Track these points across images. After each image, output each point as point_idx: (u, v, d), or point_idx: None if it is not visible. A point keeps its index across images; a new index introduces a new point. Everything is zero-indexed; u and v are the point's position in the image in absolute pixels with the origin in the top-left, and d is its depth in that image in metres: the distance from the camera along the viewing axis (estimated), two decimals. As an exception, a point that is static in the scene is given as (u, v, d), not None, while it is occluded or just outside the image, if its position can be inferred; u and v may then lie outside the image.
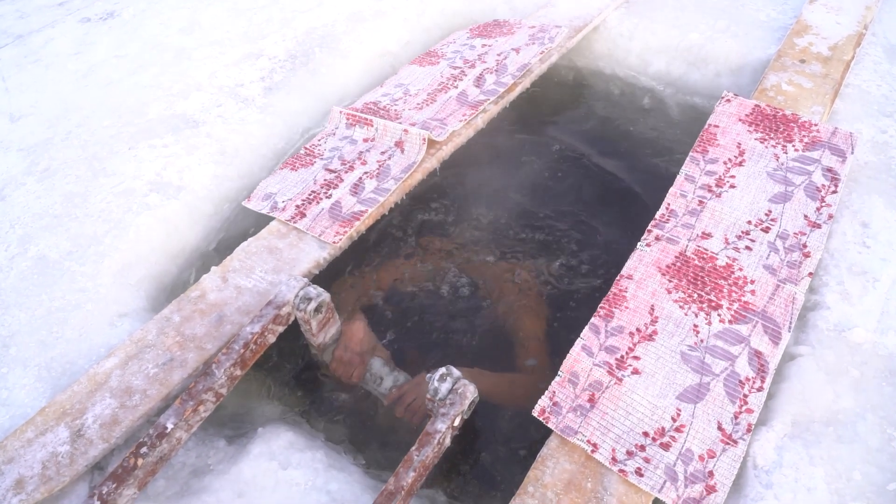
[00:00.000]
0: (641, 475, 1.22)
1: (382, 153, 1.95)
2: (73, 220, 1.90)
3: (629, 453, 1.25)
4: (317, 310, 1.53)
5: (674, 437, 1.27)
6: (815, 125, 1.87)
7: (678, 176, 1.78)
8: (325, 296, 1.54)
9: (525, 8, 2.65)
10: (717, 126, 1.91)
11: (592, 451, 1.25)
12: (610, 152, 2.30)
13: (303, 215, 1.79)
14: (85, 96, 2.43)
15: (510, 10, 2.67)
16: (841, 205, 1.71)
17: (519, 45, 2.30)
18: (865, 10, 2.34)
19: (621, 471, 1.23)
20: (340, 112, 2.10)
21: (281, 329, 1.54)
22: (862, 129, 1.90)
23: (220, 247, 1.95)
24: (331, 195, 1.84)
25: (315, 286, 1.54)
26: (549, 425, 1.30)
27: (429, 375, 1.37)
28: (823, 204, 1.67)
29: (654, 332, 1.43)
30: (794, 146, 1.83)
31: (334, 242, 1.71)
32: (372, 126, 2.02)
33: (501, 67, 2.21)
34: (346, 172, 1.91)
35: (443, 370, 1.37)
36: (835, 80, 2.05)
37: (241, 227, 1.99)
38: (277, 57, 2.51)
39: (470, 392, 1.34)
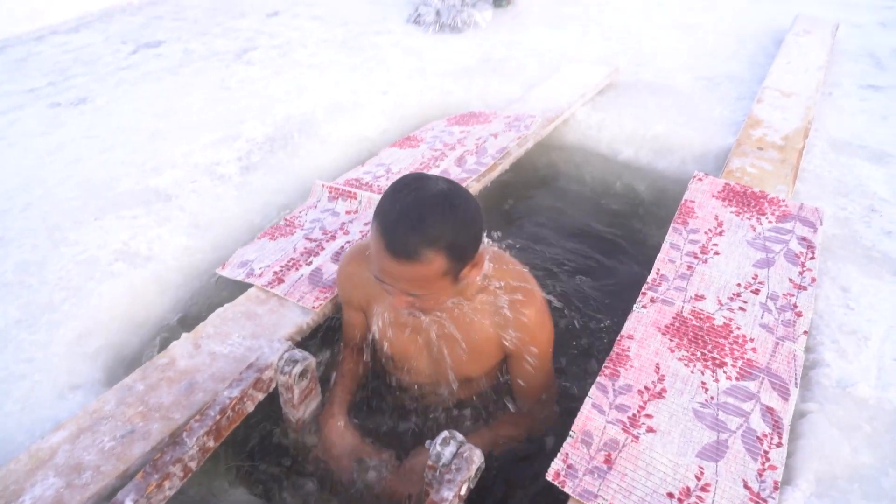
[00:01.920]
0: (672, 540, 1.10)
1: (366, 224, 1.91)
2: (24, 288, 1.75)
3: (655, 517, 1.14)
4: (302, 374, 1.41)
5: (700, 497, 1.17)
6: (783, 201, 1.97)
7: (664, 244, 1.80)
8: (311, 360, 1.42)
9: (497, 103, 2.79)
10: (692, 201, 1.98)
11: (616, 516, 1.13)
12: (584, 227, 2.33)
13: (281, 281, 1.70)
14: (50, 171, 2.34)
15: (483, 104, 2.81)
16: (819, 272, 1.75)
17: (497, 131, 2.38)
18: (806, 109, 2.56)
19: (649, 536, 1.11)
20: (323, 185, 2.08)
21: (261, 396, 1.39)
22: (824, 207, 2.01)
23: (189, 319, 1.81)
24: (311, 262, 1.77)
25: (300, 350, 1.42)
26: (566, 490, 1.18)
27: (429, 441, 1.24)
28: (805, 269, 1.71)
29: (664, 390, 1.37)
30: (767, 219, 1.90)
31: (314, 307, 1.61)
32: (355, 199, 2.00)
33: (481, 150, 2.27)
34: (328, 241, 1.85)
35: (445, 434, 1.24)
36: (792, 165, 2.19)
37: (212, 299, 1.87)
38: (255, 140, 2.52)
39: (476, 457, 1.22)
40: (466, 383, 1.45)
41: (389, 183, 2.07)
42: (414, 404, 1.58)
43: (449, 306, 1.30)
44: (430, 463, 1.23)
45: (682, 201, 1.98)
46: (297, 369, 1.39)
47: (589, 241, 2.26)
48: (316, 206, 2.04)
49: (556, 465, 1.22)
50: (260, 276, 1.72)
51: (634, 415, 1.31)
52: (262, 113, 2.72)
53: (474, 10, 3.75)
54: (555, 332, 1.38)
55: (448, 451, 1.22)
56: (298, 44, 3.60)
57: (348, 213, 1.98)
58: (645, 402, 1.34)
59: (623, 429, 1.28)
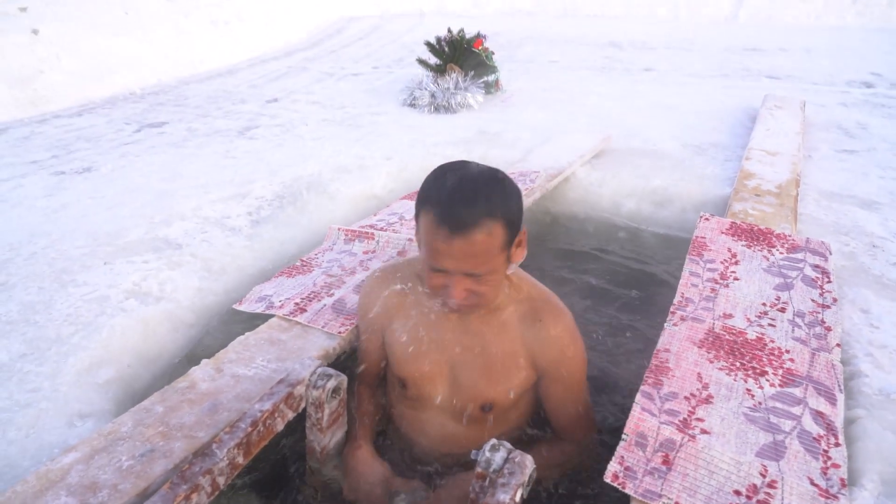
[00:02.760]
0: (748, 536, 1.02)
1: (385, 262, 1.90)
2: (30, 325, 1.67)
3: (726, 514, 1.07)
4: (335, 392, 1.33)
5: (769, 493, 1.10)
6: (790, 236, 2.03)
7: (683, 272, 1.82)
8: (344, 379, 1.36)
9: (500, 164, 2.88)
10: (703, 237, 2.02)
11: (684, 514, 1.06)
12: (592, 269, 2.34)
13: (303, 311, 1.65)
14: (55, 226, 2.31)
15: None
16: (838, 297, 1.77)
17: (503, 183, 2.46)
18: (792, 164, 2.71)
19: (723, 532, 1.03)
20: (339, 229, 2.08)
21: (291, 415, 1.31)
22: (829, 243, 2.07)
23: (203, 354, 1.73)
24: (333, 294, 1.74)
25: (333, 369, 1.36)
26: (627, 491, 1.11)
27: (475, 452, 1.17)
28: (824, 290, 1.73)
29: (710, 396, 1.33)
30: (777, 250, 1.94)
31: (340, 332, 1.56)
32: (373, 239, 2.00)
33: (490, 198, 2.32)
34: (348, 276, 1.83)
35: (493, 441, 1.17)
36: (790, 208, 2.28)
37: (229, 335, 1.79)
38: (264, 197, 2.54)
39: (529, 462, 1.14)
40: (491, 419, 1.36)
41: (404, 229, 2.10)
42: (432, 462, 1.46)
43: (479, 316, 1.27)
44: (478, 471, 1.14)
45: (694, 237, 2.03)
46: (331, 384, 1.32)
47: (599, 279, 2.26)
48: (332, 249, 2.03)
49: (613, 467, 1.16)
50: (280, 307, 1.68)
51: (685, 419, 1.26)
52: (270, 175, 2.77)
53: (468, 94, 3.97)
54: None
55: (499, 457, 1.14)
56: (300, 122, 3.74)
57: (366, 252, 1.97)
58: (694, 408, 1.29)
59: (678, 429, 1.23)
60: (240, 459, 1.19)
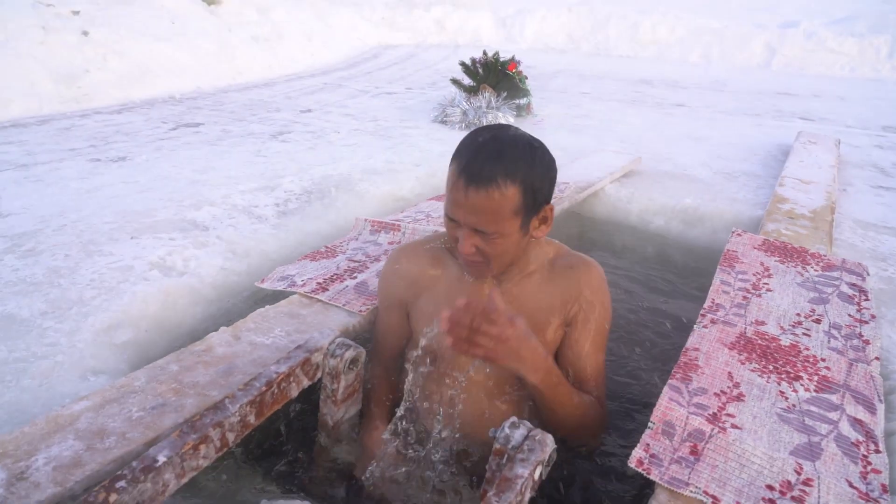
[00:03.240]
0: (782, 530, 0.96)
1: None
2: (53, 287, 1.67)
3: (758, 507, 1.00)
4: (352, 363, 1.30)
5: (805, 490, 1.04)
6: (825, 256, 1.97)
7: (714, 280, 1.77)
8: (363, 352, 1.33)
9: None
10: (735, 251, 1.98)
11: (714, 503, 1.00)
12: (618, 279, 2.29)
13: (325, 290, 1.64)
14: (86, 204, 2.34)
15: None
16: (876, 314, 1.70)
17: (531, 191, 2.44)
18: (827, 193, 2.66)
19: (755, 525, 0.97)
20: (365, 220, 2.08)
21: (306, 383, 1.28)
22: (866, 265, 2.01)
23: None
24: (356, 277, 1.72)
25: (352, 341, 1.33)
26: (653, 477, 1.06)
27: (493, 430, 1.12)
28: (861, 307, 1.67)
29: (742, 395, 1.27)
30: (812, 268, 1.89)
31: (361, 311, 1.54)
32: (399, 230, 1.99)
33: (518, 203, 2.30)
34: (372, 262, 1.82)
35: (513, 419, 1.13)
36: (826, 231, 2.22)
37: (247, 314, 1.78)
38: (293, 191, 2.56)
39: (549, 441, 1.10)
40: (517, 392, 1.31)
41: (431, 226, 2.09)
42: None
43: (507, 285, 1.24)
44: (496, 447, 1.10)
45: (725, 251, 1.98)
46: (349, 354, 1.29)
47: (621, 288, 2.21)
48: (357, 238, 2.02)
49: (638, 453, 1.10)
50: (303, 285, 1.66)
51: (715, 413, 1.20)
52: (299, 172, 2.79)
53: (499, 113, 4.00)
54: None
55: (518, 434, 1.10)
56: (332, 130, 3.79)
57: (391, 243, 1.96)
58: (724, 404, 1.24)
59: (707, 420, 1.17)
60: (251, 419, 1.16)
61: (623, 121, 4.53)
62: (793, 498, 1.02)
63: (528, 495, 1.03)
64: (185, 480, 1.04)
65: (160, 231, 2.06)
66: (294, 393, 1.26)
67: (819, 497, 1.03)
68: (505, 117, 4.03)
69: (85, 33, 4.51)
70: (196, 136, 3.59)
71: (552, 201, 1.19)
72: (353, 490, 1.27)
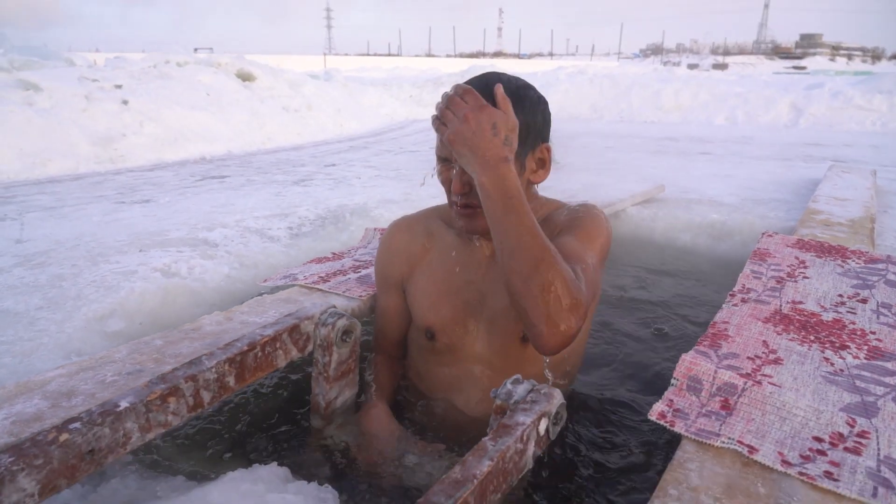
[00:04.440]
0: (836, 479, 0.80)
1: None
2: (54, 288, 1.65)
3: (805, 457, 0.85)
4: (345, 334, 1.21)
5: (860, 442, 0.88)
6: (867, 252, 1.82)
7: (743, 271, 1.63)
8: (358, 325, 1.24)
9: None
10: (765, 249, 1.84)
11: (750, 453, 0.85)
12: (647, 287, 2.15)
13: (326, 282, 1.57)
14: (103, 230, 2.36)
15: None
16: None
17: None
18: (865, 208, 2.51)
19: (803, 474, 0.81)
20: (374, 229, 2.03)
21: (296, 354, 1.19)
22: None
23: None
24: (360, 272, 1.65)
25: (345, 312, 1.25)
26: (676, 429, 0.91)
27: (494, 390, 1.01)
28: (913, 292, 1.51)
29: (779, 359, 1.12)
30: (853, 261, 1.74)
31: (361, 297, 1.46)
32: (407, 235, 1.93)
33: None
34: (378, 263, 1.75)
35: (516, 376, 1.01)
36: (866, 235, 2.07)
37: (247, 315, 1.71)
38: (307, 217, 2.55)
39: (557, 395, 0.97)
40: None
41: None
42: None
43: None
44: (497, 404, 0.98)
45: (755, 249, 1.85)
46: (342, 324, 1.20)
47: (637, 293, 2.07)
48: (366, 247, 1.96)
49: (660, 407, 0.96)
50: (304, 280, 1.60)
51: (749, 373, 1.06)
52: (316, 204, 2.79)
53: (518, 157, 4.00)
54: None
55: (521, 389, 0.98)
56: (353, 177, 3.84)
57: (399, 248, 1.89)
58: (759, 366, 1.09)
59: (740, 375, 1.02)
60: (230, 381, 1.06)
61: (647, 165, 4.49)
62: (846, 449, 0.87)
63: (531, 448, 0.90)
64: (151, 436, 0.94)
65: (169, 246, 2.04)
66: (281, 362, 1.16)
67: (878, 449, 0.87)
68: (525, 162, 4.03)
69: (124, 102, 4.78)
70: (220, 184, 3.66)
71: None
72: (349, 472, 1.14)
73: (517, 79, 1.09)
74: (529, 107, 1.06)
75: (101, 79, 5.10)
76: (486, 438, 0.85)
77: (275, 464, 0.96)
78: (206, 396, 1.02)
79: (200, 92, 5.58)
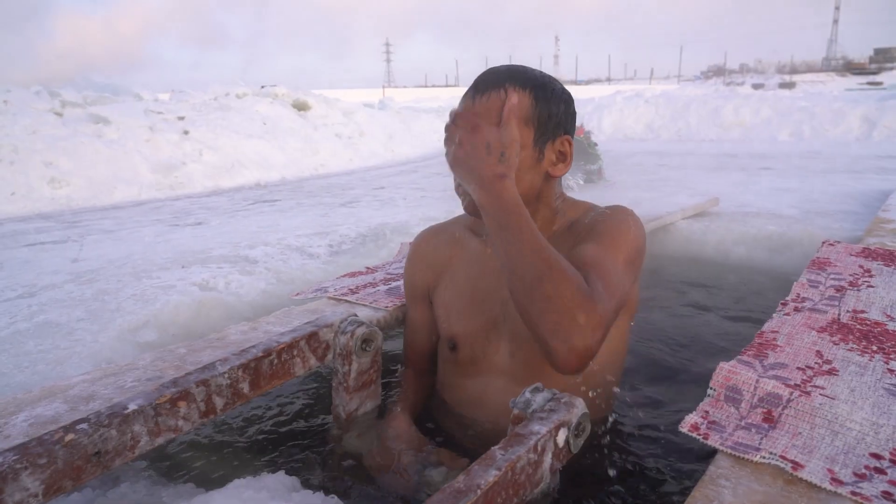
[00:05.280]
0: (896, 501, 0.70)
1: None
2: (97, 302, 1.69)
3: (860, 476, 0.75)
4: (365, 343, 1.18)
5: (928, 461, 0.77)
6: (944, 260, 1.66)
7: (799, 280, 1.51)
8: (379, 335, 1.20)
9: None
10: (825, 258, 1.71)
11: (795, 469, 0.75)
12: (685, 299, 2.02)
13: (355, 293, 1.55)
14: (153, 250, 2.44)
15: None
16: None
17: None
18: (944, 217, 2.31)
19: (857, 493, 0.71)
20: (410, 244, 2.00)
21: (315, 363, 1.16)
22: None
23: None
24: (390, 284, 1.62)
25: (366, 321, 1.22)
26: (710, 442, 0.83)
27: (513, 400, 0.94)
28: None
29: (834, 370, 1.01)
30: (928, 270, 1.58)
31: (388, 307, 1.43)
32: (441, 249, 1.90)
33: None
34: (410, 276, 1.72)
35: (537, 384, 0.95)
36: (944, 243, 1.89)
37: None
38: (348, 236, 2.56)
39: (579, 404, 0.90)
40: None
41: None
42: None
43: None
44: (515, 413, 0.92)
45: (814, 258, 1.72)
46: (361, 332, 1.17)
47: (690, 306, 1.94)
48: (400, 262, 1.94)
49: (693, 418, 0.88)
50: (335, 293, 1.58)
51: (797, 384, 0.95)
52: (358, 223, 2.81)
53: (568, 176, 3.93)
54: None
55: (540, 398, 0.91)
56: (400, 199, 3.86)
57: (433, 261, 1.86)
58: (810, 377, 0.98)
59: (785, 385, 0.92)
60: (245, 387, 1.04)
61: (703, 181, 4.32)
62: (911, 467, 0.76)
63: (548, 460, 0.84)
64: (160, 440, 0.92)
65: (211, 263, 2.08)
66: (299, 370, 1.14)
67: (950, 468, 0.75)
68: (575, 179, 3.95)
69: (185, 132, 5.01)
70: (271, 207, 3.76)
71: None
72: (362, 484, 1.09)
73: (541, 72, 1.05)
74: (551, 95, 1.01)
75: (165, 111, 5.38)
76: (496, 447, 0.80)
77: (282, 472, 0.93)
78: (218, 402, 1.00)
79: (257, 121, 5.80)
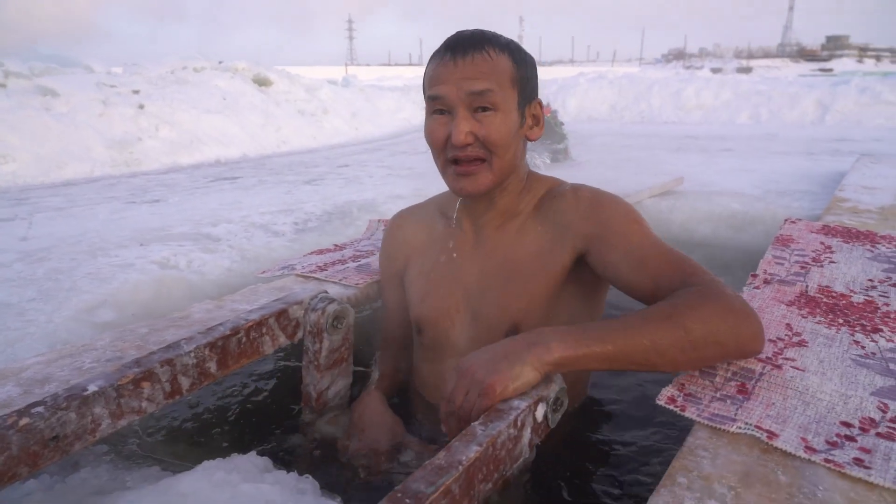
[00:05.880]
0: (867, 467, 0.71)
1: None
2: (50, 281, 1.61)
3: (832, 443, 0.76)
4: (337, 320, 1.15)
5: (894, 428, 0.79)
6: (899, 237, 1.71)
7: (765, 256, 1.53)
8: (351, 312, 1.17)
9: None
10: (788, 235, 1.74)
11: (770, 439, 0.76)
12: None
13: (324, 270, 1.51)
14: (108, 227, 2.34)
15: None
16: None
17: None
18: (895, 197, 2.39)
19: (829, 461, 0.72)
20: (378, 220, 1.97)
21: (284, 341, 1.13)
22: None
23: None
24: (360, 261, 1.59)
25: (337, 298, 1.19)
26: (688, 414, 0.83)
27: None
28: (952, 275, 1.40)
29: (804, 342, 1.03)
30: (883, 246, 1.63)
31: (358, 284, 1.40)
32: (411, 226, 1.87)
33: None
34: (380, 253, 1.69)
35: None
36: (898, 221, 1.96)
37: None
38: (314, 213, 2.50)
39: (556, 380, 0.89)
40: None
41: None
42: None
43: (488, 231, 1.07)
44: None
45: (777, 235, 1.75)
46: (333, 308, 1.13)
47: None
48: (370, 239, 1.90)
49: (669, 391, 0.88)
50: (302, 269, 1.54)
51: (769, 357, 0.97)
52: (324, 200, 2.75)
53: (535, 154, 3.93)
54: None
55: (518, 373, 0.90)
56: (366, 177, 3.80)
57: (403, 239, 1.83)
58: (781, 349, 1.00)
59: (757, 359, 0.94)
60: (212, 367, 1.00)
61: (667, 161, 4.38)
62: (879, 435, 0.77)
63: (528, 434, 0.83)
64: (122, 422, 0.88)
65: (171, 241, 2.01)
66: (268, 349, 1.10)
67: (917, 435, 0.77)
68: (541, 158, 3.95)
69: (141, 107, 4.81)
70: (232, 184, 3.65)
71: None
72: (335, 465, 1.07)
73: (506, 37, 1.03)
74: (526, 57, 1.00)
75: (119, 84, 5.15)
76: (476, 423, 0.78)
77: (253, 453, 0.90)
78: (184, 382, 0.96)
79: (216, 96, 5.61)
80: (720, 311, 0.83)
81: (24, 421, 0.78)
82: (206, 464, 0.87)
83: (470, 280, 1.09)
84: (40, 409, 0.80)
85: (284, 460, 1.10)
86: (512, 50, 0.97)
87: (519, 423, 0.80)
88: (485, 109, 0.93)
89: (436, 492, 0.66)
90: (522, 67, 0.97)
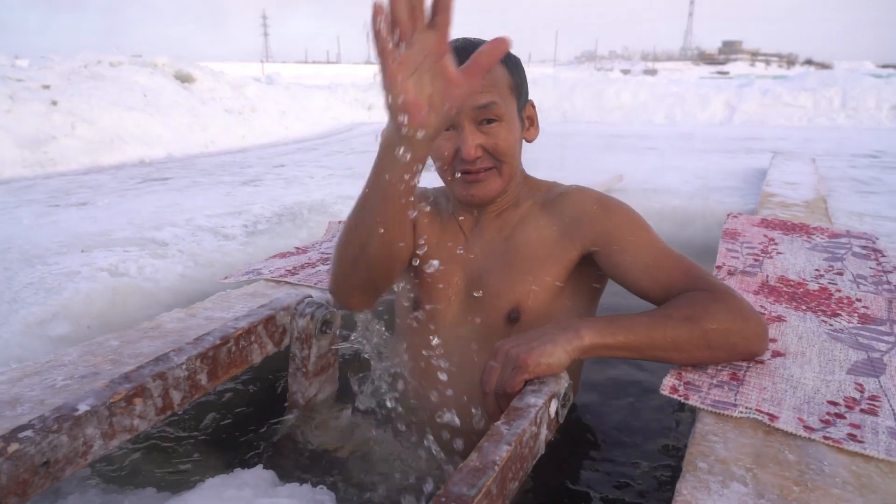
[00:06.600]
0: (861, 441, 0.78)
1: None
2: (-15, 293, 1.47)
3: (825, 422, 0.82)
4: (325, 325, 1.12)
5: (873, 405, 0.86)
6: (827, 228, 1.86)
7: (719, 250, 1.63)
8: (337, 314, 1.15)
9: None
10: (734, 228, 1.86)
11: (771, 421, 0.81)
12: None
13: (295, 274, 1.47)
14: (37, 233, 2.16)
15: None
16: (897, 273, 1.57)
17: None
18: (815, 190, 2.59)
19: (828, 438, 0.78)
20: (339, 222, 1.93)
21: (272, 349, 1.09)
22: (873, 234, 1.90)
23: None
24: (329, 264, 1.55)
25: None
26: (691, 402, 0.87)
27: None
28: (880, 262, 1.54)
29: (782, 317, 1.12)
30: (818, 237, 1.77)
31: (337, 289, 1.36)
32: (375, 226, 1.84)
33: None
34: (348, 255, 1.65)
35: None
36: (823, 212, 2.13)
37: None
38: (263, 215, 2.42)
39: (564, 376, 0.91)
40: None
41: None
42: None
43: (498, 216, 1.09)
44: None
45: (724, 229, 1.86)
46: (321, 314, 1.11)
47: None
48: (331, 241, 1.86)
49: (670, 381, 0.92)
50: (270, 274, 1.49)
51: (752, 342, 1.03)
52: (271, 202, 2.67)
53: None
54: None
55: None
56: (306, 177, 3.71)
57: (367, 240, 1.81)
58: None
59: (743, 348, 1.00)
60: (203, 379, 0.96)
61: (598, 159, 4.54)
62: (863, 411, 0.84)
63: (544, 431, 0.84)
64: (115, 443, 0.83)
65: (115, 246, 1.89)
66: (256, 358, 1.06)
67: (893, 409, 0.85)
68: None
69: (54, 103, 4.48)
70: (164, 185, 3.47)
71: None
72: (336, 472, 1.04)
73: None
74: (517, 62, 1.04)
75: (27, 78, 4.77)
76: (500, 423, 0.78)
77: (260, 467, 0.86)
78: (176, 397, 0.91)
79: (137, 93, 5.30)
80: (733, 315, 0.90)
81: (14, 447, 0.72)
82: (210, 481, 0.83)
83: (469, 260, 1.10)
84: (28, 432, 0.74)
85: (278, 471, 1.06)
86: (507, 60, 0.98)
87: (538, 420, 0.81)
88: (489, 121, 0.95)
89: (478, 493, 0.66)
90: (516, 73, 1.00)
